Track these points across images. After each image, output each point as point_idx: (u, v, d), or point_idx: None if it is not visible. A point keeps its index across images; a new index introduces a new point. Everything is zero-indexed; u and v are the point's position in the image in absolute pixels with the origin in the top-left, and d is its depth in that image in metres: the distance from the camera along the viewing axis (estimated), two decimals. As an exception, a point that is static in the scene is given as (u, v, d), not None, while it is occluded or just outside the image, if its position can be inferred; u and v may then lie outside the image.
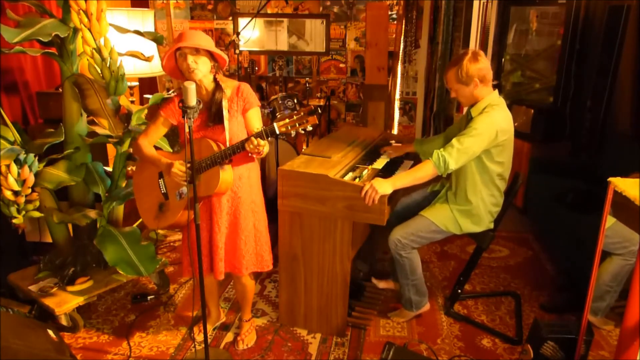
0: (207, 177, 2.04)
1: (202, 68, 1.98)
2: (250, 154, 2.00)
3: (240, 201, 2.17)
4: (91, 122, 2.59)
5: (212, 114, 2.07)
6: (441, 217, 2.42)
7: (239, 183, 2.15)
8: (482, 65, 2.25)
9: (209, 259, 2.22)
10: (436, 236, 2.45)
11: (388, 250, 2.52)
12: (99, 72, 2.38)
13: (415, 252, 2.45)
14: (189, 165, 1.86)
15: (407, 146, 2.78)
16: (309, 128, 1.92)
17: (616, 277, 2.40)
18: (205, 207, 2.16)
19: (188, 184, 1.96)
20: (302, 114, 1.91)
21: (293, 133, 1.94)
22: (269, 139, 1.97)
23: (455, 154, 2.18)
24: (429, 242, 2.51)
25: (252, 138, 1.92)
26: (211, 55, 2.02)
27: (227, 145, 2.03)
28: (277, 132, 1.93)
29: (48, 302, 2.40)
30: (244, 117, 2.13)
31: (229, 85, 2.12)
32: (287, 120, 1.92)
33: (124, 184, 2.66)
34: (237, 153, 1.99)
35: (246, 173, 2.18)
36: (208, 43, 2.00)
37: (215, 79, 2.09)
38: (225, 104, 2.06)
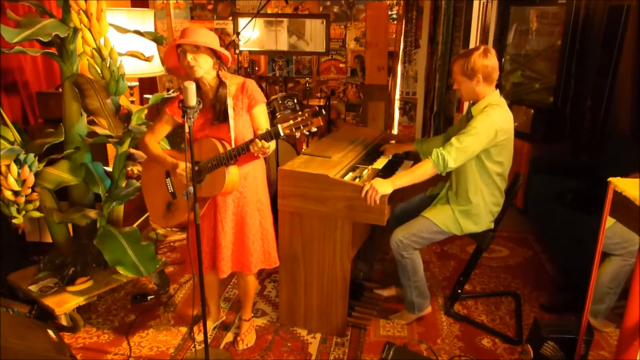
0: (213, 178, 2.04)
1: (202, 65, 1.96)
2: (255, 155, 1.98)
3: (246, 201, 2.16)
4: (91, 122, 2.59)
5: (217, 112, 2.04)
6: (442, 218, 2.42)
7: (245, 183, 2.14)
8: (489, 63, 2.25)
9: (211, 257, 2.21)
10: (437, 236, 2.45)
11: (388, 251, 2.52)
12: (99, 72, 2.37)
13: (417, 253, 2.45)
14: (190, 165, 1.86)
15: (407, 145, 2.78)
16: (314, 129, 1.88)
17: (616, 278, 2.40)
18: (209, 206, 2.15)
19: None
20: (306, 115, 1.87)
21: (297, 134, 1.90)
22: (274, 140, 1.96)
23: (454, 153, 2.19)
24: (431, 243, 2.51)
25: (257, 140, 1.90)
26: (213, 52, 2.00)
27: (233, 144, 2.02)
28: (282, 134, 1.89)
29: (48, 302, 2.40)
30: (249, 114, 2.11)
31: (234, 82, 2.08)
32: (291, 122, 1.88)
33: (124, 184, 2.65)
34: (241, 154, 1.98)
35: (252, 172, 2.17)
36: (209, 40, 1.96)
37: (218, 76, 2.05)
38: (230, 102, 2.03)
